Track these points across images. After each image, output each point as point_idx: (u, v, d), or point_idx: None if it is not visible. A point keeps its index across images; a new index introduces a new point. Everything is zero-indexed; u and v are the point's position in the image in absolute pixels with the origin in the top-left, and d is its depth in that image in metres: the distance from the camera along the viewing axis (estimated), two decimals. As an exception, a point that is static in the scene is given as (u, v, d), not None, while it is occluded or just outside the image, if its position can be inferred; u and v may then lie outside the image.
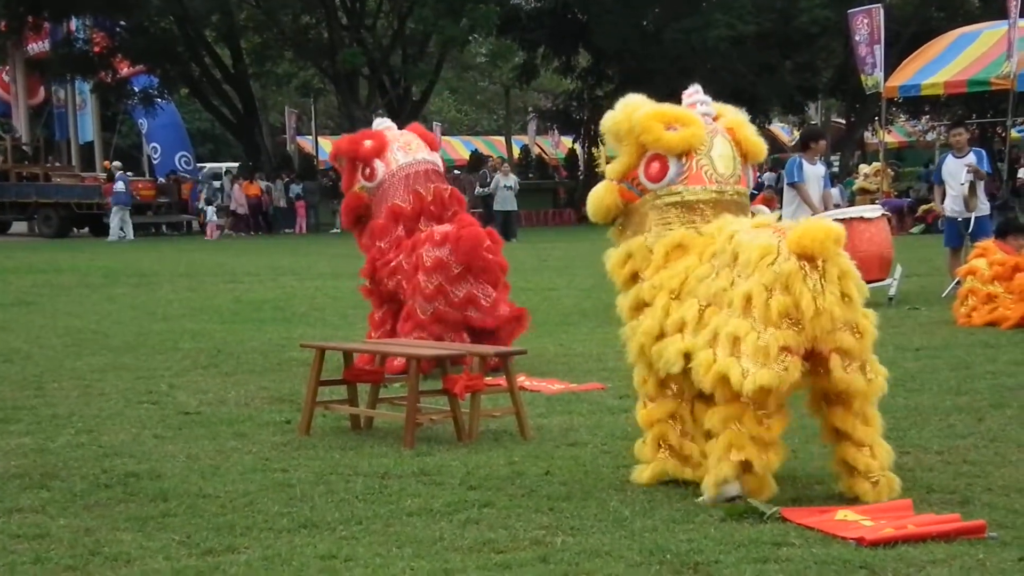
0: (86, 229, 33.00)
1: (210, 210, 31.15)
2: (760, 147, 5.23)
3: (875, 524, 4.36)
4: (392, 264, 8.26)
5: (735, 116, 5.26)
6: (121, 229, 29.19)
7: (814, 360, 4.72)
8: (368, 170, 8.43)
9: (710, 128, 5.11)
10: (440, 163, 8.80)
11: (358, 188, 8.51)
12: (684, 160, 5.04)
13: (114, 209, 29.44)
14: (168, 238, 32.05)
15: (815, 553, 4.12)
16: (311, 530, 4.49)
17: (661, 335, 4.94)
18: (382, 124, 8.81)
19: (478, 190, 28.29)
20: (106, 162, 36.98)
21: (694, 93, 5.27)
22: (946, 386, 7.37)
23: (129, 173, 33.18)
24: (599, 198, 5.19)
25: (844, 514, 4.50)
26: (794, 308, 4.55)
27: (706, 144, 5.06)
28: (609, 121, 5.17)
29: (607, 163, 5.24)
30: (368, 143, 8.48)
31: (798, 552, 4.14)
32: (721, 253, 4.85)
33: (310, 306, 12.86)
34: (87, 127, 39.86)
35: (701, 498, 4.78)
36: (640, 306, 5.07)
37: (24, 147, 35.14)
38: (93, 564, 4.15)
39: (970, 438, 5.91)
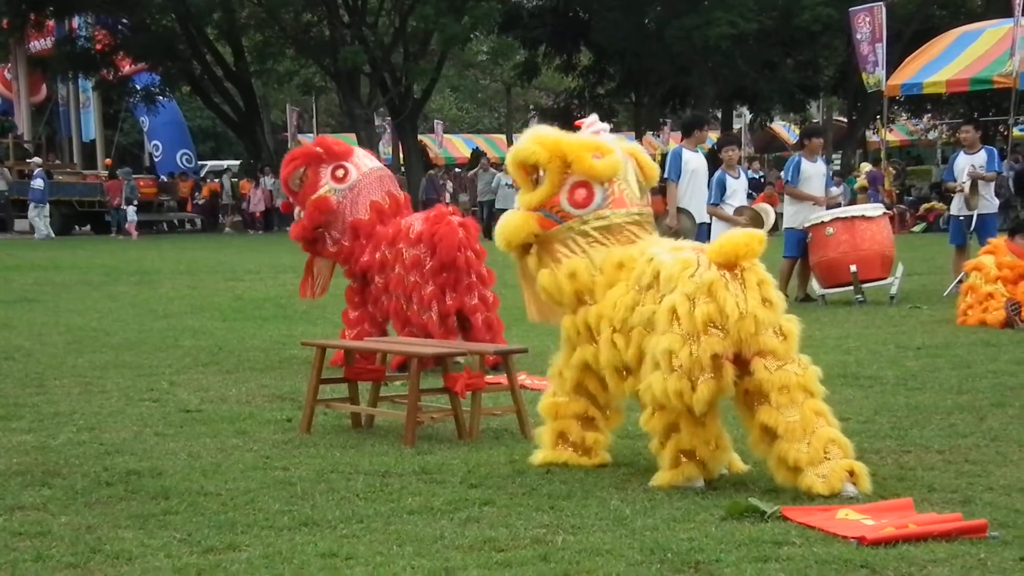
0: (88, 227, 33.02)
1: (130, 210, 30.27)
2: (655, 171, 5.55)
3: (876, 523, 4.35)
4: (378, 259, 8.22)
5: (630, 144, 5.61)
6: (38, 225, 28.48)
7: (739, 365, 4.87)
8: (341, 171, 8.27)
9: (622, 155, 5.41)
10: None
11: (325, 191, 8.25)
12: (607, 186, 5.32)
13: (32, 207, 28.76)
14: (167, 235, 32.09)
15: (816, 552, 4.12)
16: (312, 528, 4.49)
17: (622, 368, 5.16)
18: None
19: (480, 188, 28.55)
20: (107, 159, 37.00)
21: (594, 123, 5.57)
22: (947, 385, 7.37)
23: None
24: (518, 227, 5.39)
25: (845, 513, 4.50)
26: (718, 314, 4.78)
27: (623, 169, 5.36)
28: (522, 152, 5.37)
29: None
30: (336, 147, 8.43)
31: (799, 551, 4.14)
32: (642, 275, 5.08)
33: (311, 304, 12.81)
34: (90, 125, 39.86)
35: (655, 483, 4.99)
36: (586, 329, 5.28)
37: (26, 144, 35.15)
38: (94, 562, 4.14)
39: (971, 437, 5.90)
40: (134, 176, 35.58)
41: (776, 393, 4.84)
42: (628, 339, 5.10)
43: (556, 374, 5.46)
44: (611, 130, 5.78)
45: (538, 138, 5.38)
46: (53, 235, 28.65)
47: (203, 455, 5.72)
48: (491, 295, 8.24)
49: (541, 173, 5.40)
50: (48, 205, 29.29)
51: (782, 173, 12.97)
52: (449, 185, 33.33)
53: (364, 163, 8.45)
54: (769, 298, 4.87)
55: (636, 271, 5.12)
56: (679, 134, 14.35)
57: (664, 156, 14.00)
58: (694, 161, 11.52)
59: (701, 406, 4.82)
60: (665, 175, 11.79)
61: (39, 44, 37.19)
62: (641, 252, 5.18)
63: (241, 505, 4.80)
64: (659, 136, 41.65)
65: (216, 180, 36.69)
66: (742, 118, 44.20)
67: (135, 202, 30.74)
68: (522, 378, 6.54)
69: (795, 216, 12.30)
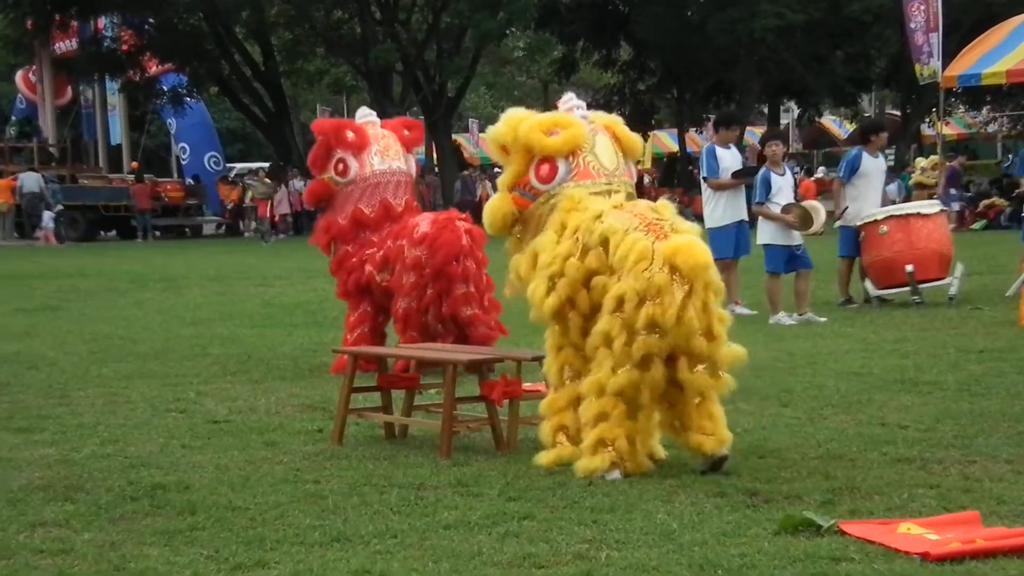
0: (113, 232, 33.33)
1: (46, 215, 29.86)
2: (636, 142, 5.88)
3: (941, 538, 4.27)
4: (381, 255, 8.32)
5: (609, 117, 5.94)
6: None
7: (668, 358, 5.29)
8: (341, 165, 8.45)
9: (591, 128, 5.75)
10: (413, 169, 8.82)
11: (327, 177, 8.50)
12: (572, 159, 5.66)
13: None
14: (194, 241, 32.33)
15: (876, 569, 4.04)
16: (344, 544, 4.46)
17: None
18: (365, 117, 8.74)
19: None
20: (133, 163, 37.33)
21: (569, 100, 5.93)
22: (1014, 390, 7.24)
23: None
24: (495, 208, 5.82)
25: (907, 527, 4.42)
26: (661, 317, 5.14)
27: (589, 142, 5.70)
28: (492, 134, 5.87)
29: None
30: (350, 136, 8.47)
31: (858, 568, 4.06)
32: (587, 233, 5.39)
33: (342, 310, 12.83)
34: (117, 129, 40.23)
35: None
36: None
37: (51, 148, 35.52)
38: (118, 580, 4.14)
39: (1041, 446, 5.79)
40: (159, 180, 35.91)
41: (692, 393, 5.31)
42: (551, 285, 5.44)
43: (547, 368, 5.71)
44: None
45: (508, 119, 5.80)
46: None
47: (231, 468, 5.71)
48: (488, 302, 8.31)
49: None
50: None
51: (840, 170, 12.71)
52: (488, 185, 33.34)
53: (369, 163, 8.48)
54: (708, 303, 5.22)
55: (575, 223, 5.43)
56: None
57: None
58: (728, 158, 11.50)
59: (614, 390, 5.20)
60: (702, 174, 11.73)
61: (64, 45, 37.60)
62: (579, 202, 5.50)
63: (270, 520, 4.79)
64: (702, 133, 41.54)
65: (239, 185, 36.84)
66: (789, 113, 43.94)
67: (55, 207, 30.18)
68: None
69: (851, 212, 12.09)
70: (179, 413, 7.19)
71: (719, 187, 11.41)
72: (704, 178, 11.64)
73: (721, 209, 11.33)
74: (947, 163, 27.74)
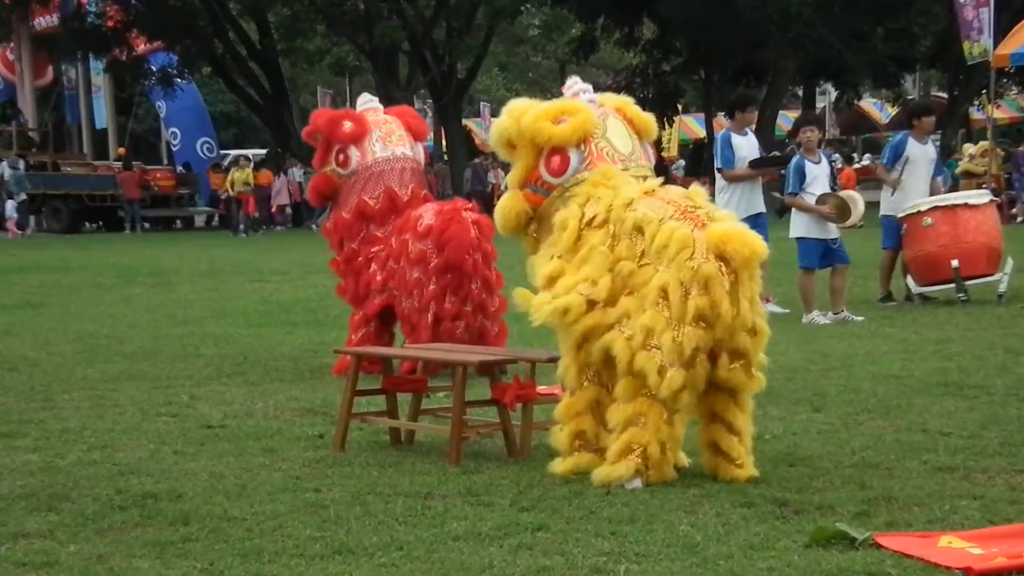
0: (99, 223, 33.44)
1: (9, 205, 29.92)
2: (650, 122, 5.95)
3: (985, 552, 4.30)
4: (384, 253, 8.40)
5: (618, 98, 5.99)
6: None
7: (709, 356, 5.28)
8: (342, 156, 8.53)
9: (600, 112, 5.79)
10: (421, 157, 8.90)
11: (329, 171, 8.62)
12: (584, 148, 5.69)
13: None
14: (186, 233, 32.45)
15: (914, 584, 4.08)
16: (346, 556, 4.51)
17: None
18: (366, 104, 8.84)
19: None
20: (120, 149, 37.40)
21: (574, 84, 5.99)
22: (1065, 395, 7.25)
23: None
24: (507, 208, 5.85)
25: (948, 540, 4.45)
26: (710, 310, 5.13)
27: (600, 127, 5.73)
28: (497, 130, 5.90)
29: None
30: (348, 126, 8.54)
31: (895, 583, 4.10)
32: (618, 222, 5.41)
33: (344, 308, 12.88)
34: (102, 111, 40.31)
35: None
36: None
37: (31, 133, 35.64)
38: (106, 593, 4.20)
39: (1093, 454, 5.80)
40: (148, 167, 36.00)
41: (738, 392, 5.37)
42: (566, 263, 5.49)
43: (563, 370, 5.69)
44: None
45: (510, 112, 5.82)
46: None
47: (226, 476, 5.77)
48: (496, 300, 8.35)
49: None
50: None
51: (883, 156, 12.65)
52: (501, 174, 33.38)
53: (371, 151, 8.54)
54: (755, 296, 5.28)
55: (606, 201, 5.44)
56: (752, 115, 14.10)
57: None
58: (745, 146, 11.43)
59: (667, 392, 5.17)
60: (716, 164, 11.69)
61: (44, 21, 37.63)
62: (606, 178, 5.54)
63: (268, 531, 4.84)
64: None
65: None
66: (826, 96, 43.85)
67: (19, 195, 30.29)
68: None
69: (895, 202, 12.07)
70: (170, 417, 7.25)
71: (735, 179, 11.34)
72: (719, 169, 11.56)
73: (736, 201, 11.18)
74: (1019, 149, 27.58)
